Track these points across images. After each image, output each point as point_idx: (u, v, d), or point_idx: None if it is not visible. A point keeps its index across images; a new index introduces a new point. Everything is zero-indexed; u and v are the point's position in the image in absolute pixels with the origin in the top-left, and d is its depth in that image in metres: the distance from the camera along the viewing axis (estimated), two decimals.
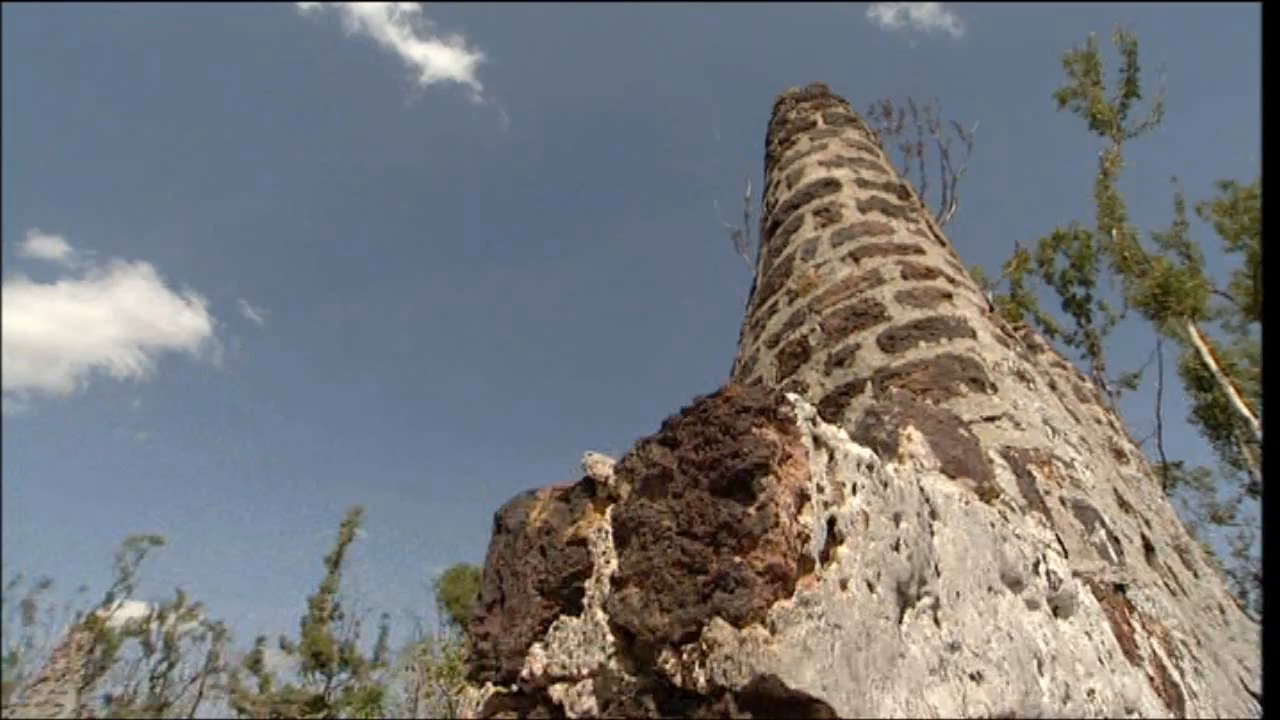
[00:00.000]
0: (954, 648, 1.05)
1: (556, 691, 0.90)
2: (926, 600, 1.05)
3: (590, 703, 0.86)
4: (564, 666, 0.91)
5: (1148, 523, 3.61)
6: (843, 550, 0.88)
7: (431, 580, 24.53)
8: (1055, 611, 1.51)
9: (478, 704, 1.01)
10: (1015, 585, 1.35)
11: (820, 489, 0.89)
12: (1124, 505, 3.27)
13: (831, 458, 0.97)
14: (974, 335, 3.53)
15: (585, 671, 0.88)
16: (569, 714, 0.87)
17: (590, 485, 1.04)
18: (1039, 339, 5.21)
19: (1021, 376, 3.44)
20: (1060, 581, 1.54)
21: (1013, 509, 1.54)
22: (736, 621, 0.74)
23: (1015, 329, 4.63)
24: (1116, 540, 2.80)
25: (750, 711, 0.69)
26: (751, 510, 0.81)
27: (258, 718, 27.06)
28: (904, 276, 3.93)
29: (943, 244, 4.70)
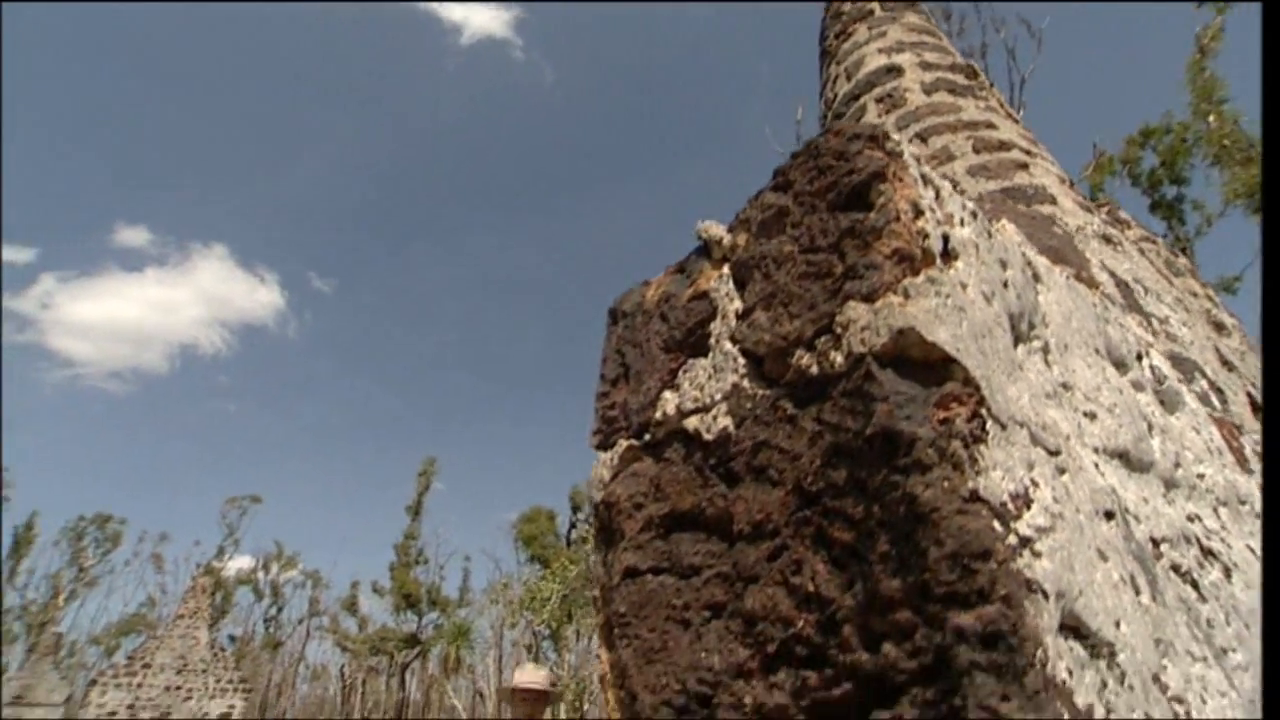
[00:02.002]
0: (1066, 386, 1.08)
1: (690, 423, 0.98)
2: (1036, 343, 1.08)
3: (725, 422, 0.93)
4: (696, 400, 0.99)
5: (1254, 384, 3.47)
6: (959, 264, 0.91)
7: (508, 524, 25.69)
8: (1161, 404, 1.50)
9: (611, 461, 1.11)
10: (1120, 366, 1.36)
11: (932, 209, 0.92)
12: (1227, 364, 3.15)
13: (938, 195, 0.99)
14: (1054, 201, 3.40)
15: (718, 397, 0.95)
16: (705, 437, 0.95)
17: (704, 250, 1.10)
18: (1125, 215, 4.95)
19: (1107, 240, 3.30)
20: (1165, 378, 1.53)
21: (1113, 303, 1.53)
22: (869, 298, 0.79)
23: (1099, 205, 4.42)
24: (1220, 391, 2.71)
25: (890, 369, 0.75)
26: (872, 212, 0.85)
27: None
28: (975, 151, 3.80)
29: (1015, 121, 4.49)
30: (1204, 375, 2.75)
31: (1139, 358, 1.46)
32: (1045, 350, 1.09)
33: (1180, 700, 0.83)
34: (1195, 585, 1.08)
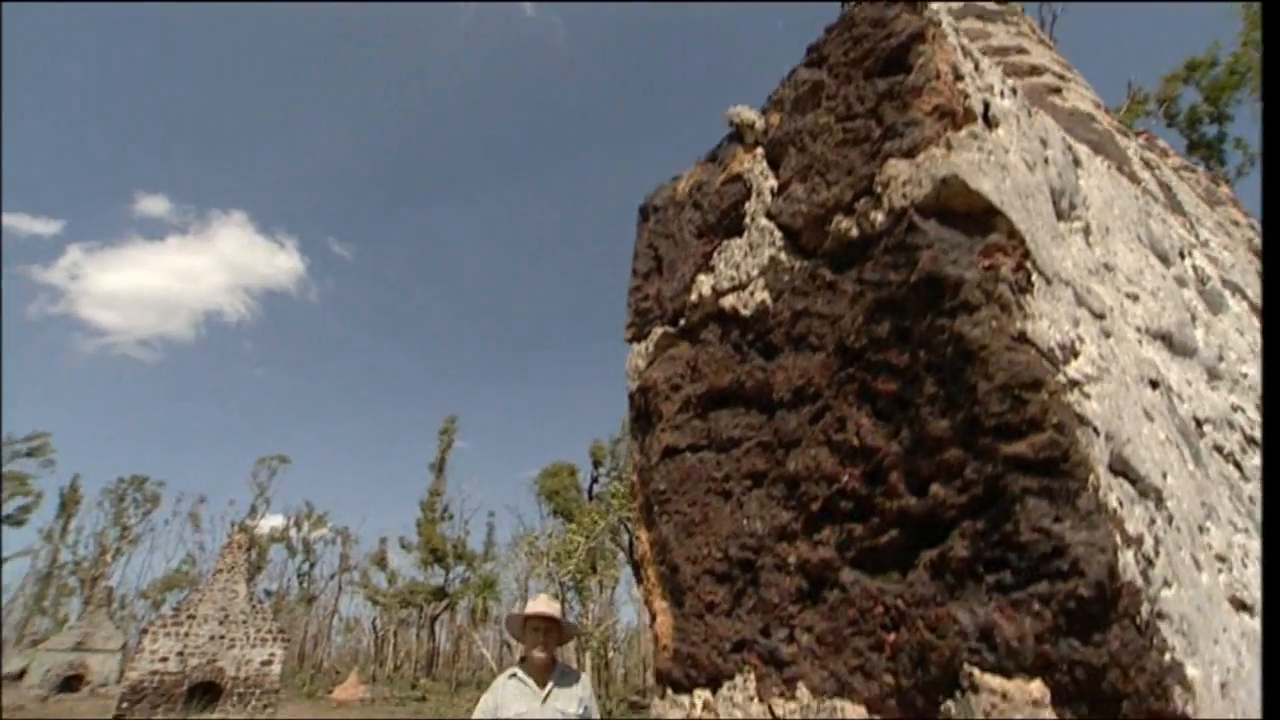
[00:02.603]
0: (1108, 268, 1.05)
1: (727, 301, 0.98)
2: (1077, 223, 1.05)
3: (762, 296, 0.93)
4: (732, 279, 0.98)
5: None
6: (999, 131, 0.89)
7: (530, 480, 26.14)
8: (1205, 303, 1.47)
9: (646, 350, 1.11)
10: (1163, 259, 1.33)
11: (972, 76, 0.89)
12: None
13: (977, 66, 0.96)
14: (1090, 121, 3.28)
15: (755, 273, 0.95)
16: (743, 313, 0.95)
17: (735, 135, 1.08)
18: (1162, 143, 4.77)
19: (1146, 164, 3.20)
20: (1208, 279, 1.50)
21: (1156, 201, 1.48)
22: (910, 153, 0.77)
23: (1136, 134, 4.26)
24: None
25: (934, 219, 0.74)
26: (911, 74, 0.82)
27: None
28: (1005, 75, 3.66)
29: (1049, 46, 4.30)
30: (1246, 298, 2.68)
31: (1182, 255, 1.42)
32: (1086, 231, 1.06)
33: (1223, 559, 0.83)
34: (1238, 466, 1.07)
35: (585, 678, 2.93)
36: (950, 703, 0.59)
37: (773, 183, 0.97)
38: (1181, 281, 1.34)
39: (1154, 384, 0.92)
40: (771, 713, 0.72)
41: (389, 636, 33.06)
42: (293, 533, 36.20)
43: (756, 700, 0.74)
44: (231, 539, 19.09)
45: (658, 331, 1.08)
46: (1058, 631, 0.55)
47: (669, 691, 0.85)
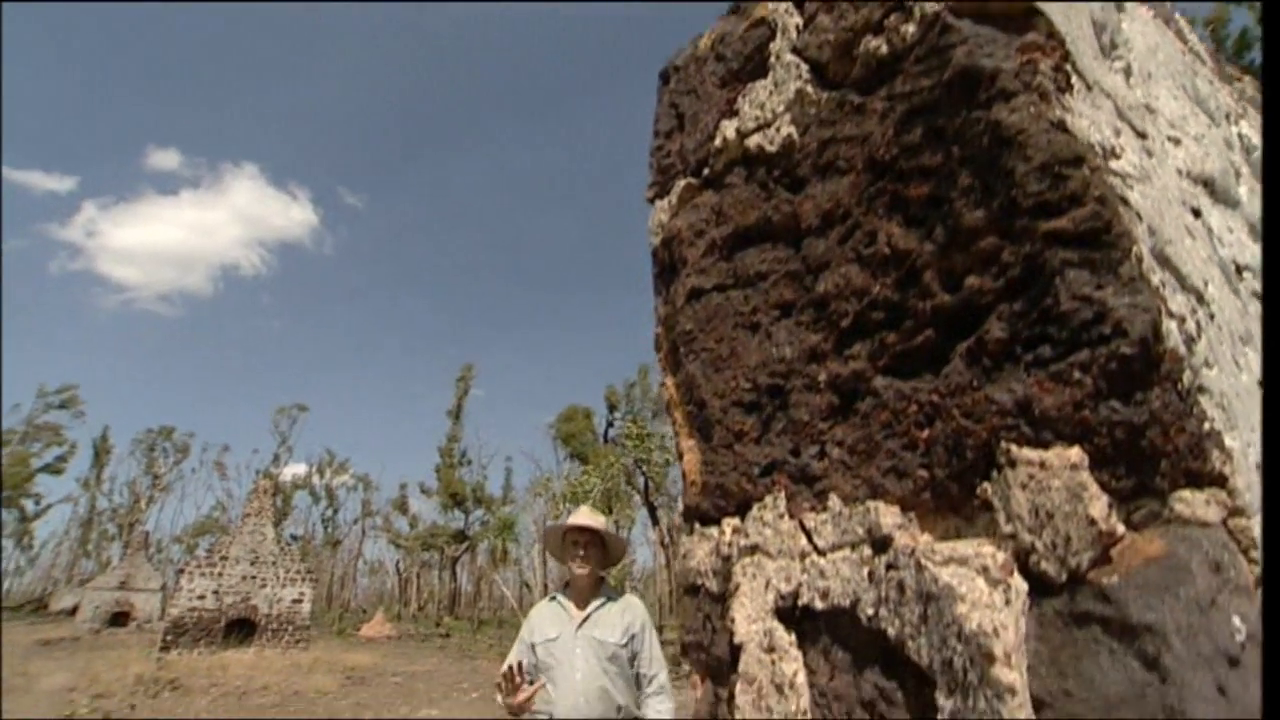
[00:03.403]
0: (1150, 109, 1.01)
1: (752, 141, 0.95)
2: (1118, 63, 1.01)
3: (789, 130, 0.90)
4: (757, 118, 0.96)
5: None
6: None
7: (546, 426, 26.51)
8: (1251, 170, 1.42)
9: (668, 204, 1.09)
10: (1209, 117, 1.27)
11: None
12: None
13: None
14: None
15: (781, 109, 0.92)
16: (768, 150, 0.93)
17: None
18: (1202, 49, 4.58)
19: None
20: (1254, 148, 1.44)
21: (1203, 63, 1.42)
22: None
23: None
24: None
25: (968, 19, 0.71)
26: None
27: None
28: None
29: None
30: None
31: (1229, 118, 1.36)
32: (1127, 72, 1.01)
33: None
34: None
35: (638, 606, 2.51)
36: (986, 484, 0.59)
37: (798, 19, 0.93)
38: (1228, 143, 1.29)
39: (1196, 212, 0.89)
40: (802, 526, 0.73)
41: (412, 578, 34.20)
42: (315, 480, 37.19)
43: (787, 517, 0.75)
44: (257, 485, 19.61)
45: (680, 184, 1.06)
46: (1098, 396, 0.54)
47: (697, 525, 0.87)
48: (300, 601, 18.50)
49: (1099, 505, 0.52)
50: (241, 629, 17.44)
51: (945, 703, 0.55)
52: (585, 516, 2.62)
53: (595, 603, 2.46)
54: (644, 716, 2.36)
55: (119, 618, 22.94)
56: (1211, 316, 0.70)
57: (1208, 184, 1.05)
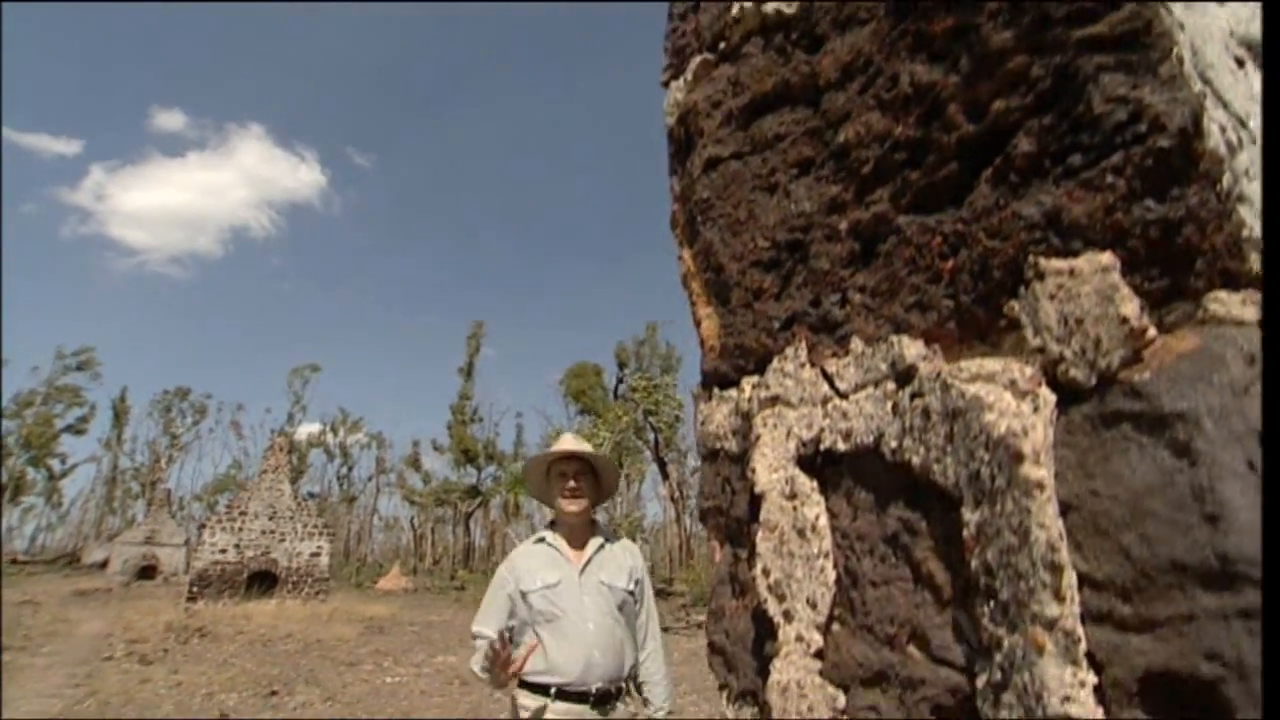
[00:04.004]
0: None
1: (769, 7, 0.92)
2: None
3: None
4: None
5: None
6: None
7: (555, 385, 26.70)
8: None
9: (684, 82, 1.06)
10: None
11: None
12: None
13: None
14: None
15: None
16: (786, 12, 0.90)
17: None
18: None
19: None
20: None
21: None
22: None
23: None
24: None
25: None
26: None
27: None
28: None
29: None
30: None
31: None
32: None
33: None
34: None
35: (635, 547, 2.23)
36: (1013, 301, 0.59)
37: None
38: None
39: (1239, 62, 0.86)
40: (824, 372, 0.73)
41: (427, 533, 35.00)
42: (329, 438, 37.81)
43: (808, 366, 0.75)
44: (273, 442, 19.95)
45: (696, 60, 1.04)
46: (1131, 197, 0.53)
47: (715, 390, 0.87)
48: (318, 555, 18.97)
49: (1131, 306, 0.51)
50: (263, 581, 17.96)
51: (971, 516, 0.55)
52: (572, 442, 2.22)
53: (594, 543, 2.13)
54: (647, 676, 2.08)
55: (147, 570, 23.74)
56: (1254, 140, 0.67)
57: (1250, 47, 1.01)
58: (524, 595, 2.04)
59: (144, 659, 10.15)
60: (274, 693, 8.05)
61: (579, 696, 1.90)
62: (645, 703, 2.05)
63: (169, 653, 10.72)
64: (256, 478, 18.98)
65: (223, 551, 17.75)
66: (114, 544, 24.91)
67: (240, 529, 18.19)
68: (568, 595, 2.02)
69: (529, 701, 1.93)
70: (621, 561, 2.14)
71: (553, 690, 1.91)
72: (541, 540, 2.17)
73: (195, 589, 16.97)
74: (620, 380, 24.20)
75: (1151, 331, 0.51)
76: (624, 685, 1.99)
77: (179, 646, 11.29)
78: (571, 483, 2.14)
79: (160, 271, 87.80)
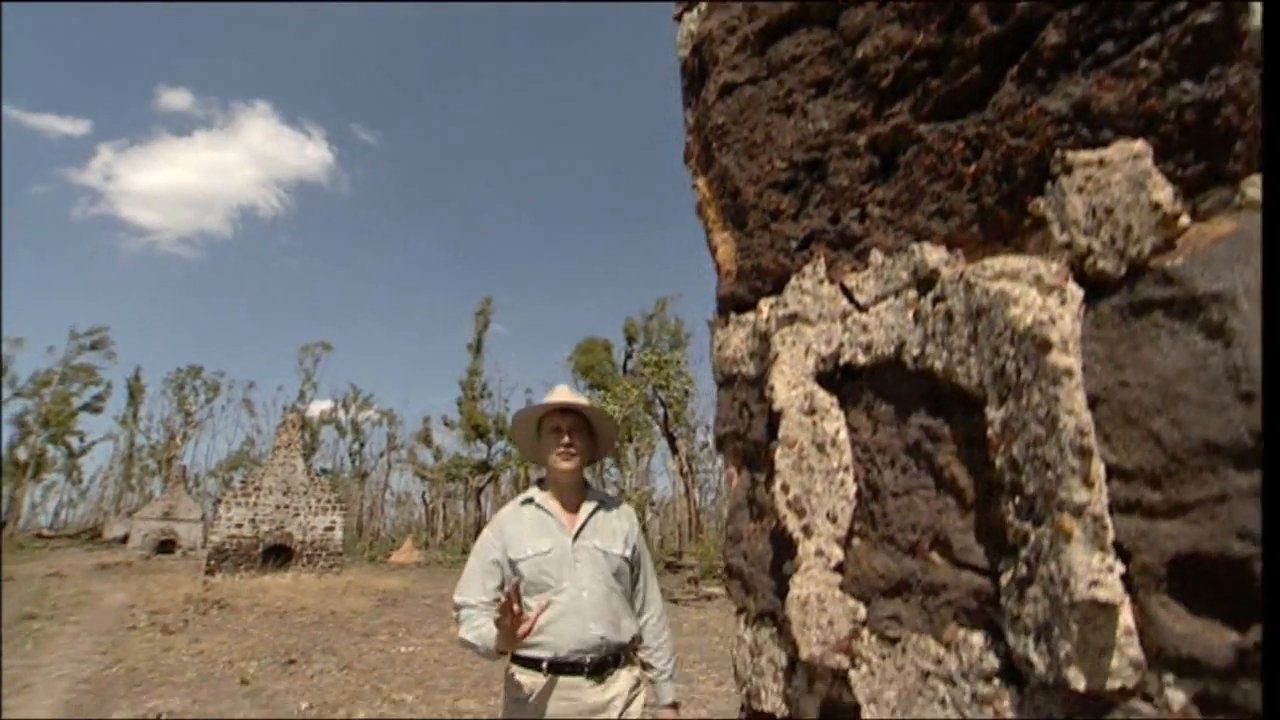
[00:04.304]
0: None
1: None
2: None
3: None
4: None
5: None
6: None
7: (565, 361, 26.77)
8: None
9: (698, 13, 1.04)
10: None
11: None
12: None
13: None
14: None
15: None
16: None
17: None
18: None
19: None
20: None
21: None
22: None
23: None
24: None
25: None
26: None
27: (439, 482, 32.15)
28: None
29: None
30: None
31: None
32: None
33: None
34: None
35: (630, 510, 2.07)
36: (1039, 199, 0.57)
37: None
38: None
39: None
40: (843, 287, 0.72)
41: (438, 508, 35.43)
42: (341, 415, 38.19)
43: (827, 282, 0.73)
44: (285, 419, 20.14)
45: None
46: (1166, 80, 0.51)
47: (732, 315, 0.86)
48: (332, 529, 19.24)
49: (1164, 193, 0.50)
50: (278, 555, 18.26)
51: (996, 414, 0.54)
52: (566, 394, 2.06)
53: (588, 506, 1.97)
54: (648, 643, 1.98)
55: (165, 545, 24.22)
56: None
57: None
58: (513, 564, 1.89)
59: (166, 629, 10.38)
60: (292, 661, 8.22)
61: (573, 668, 1.80)
62: (647, 668, 1.96)
63: (189, 623, 10.96)
64: (270, 454, 19.22)
65: (239, 526, 18.03)
66: (133, 519, 25.40)
67: (255, 504, 18.45)
68: (560, 564, 1.87)
69: (524, 678, 1.82)
70: (616, 526, 1.97)
71: (544, 664, 1.80)
72: (530, 501, 1.99)
73: (213, 563, 17.28)
74: (629, 355, 24.22)
75: (1185, 219, 0.49)
76: (621, 654, 1.88)
77: (199, 617, 11.53)
78: (565, 438, 1.96)
79: (171, 252, 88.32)
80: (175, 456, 34.62)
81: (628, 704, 1.87)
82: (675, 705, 1.96)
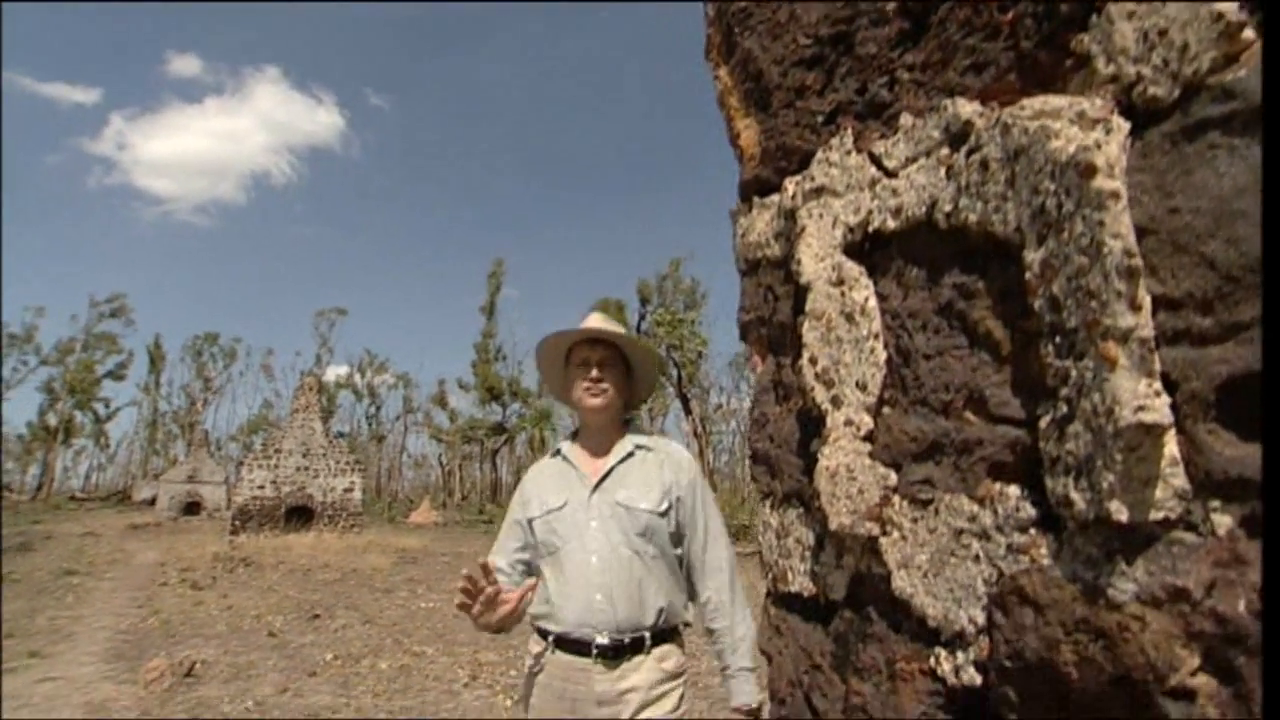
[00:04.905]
0: None
1: None
2: None
3: None
4: None
5: None
6: None
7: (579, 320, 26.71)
8: None
9: None
10: None
11: None
12: None
13: None
14: None
15: None
16: None
17: None
18: None
19: None
20: None
21: None
22: None
23: None
24: None
25: None
26: None
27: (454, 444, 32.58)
28: None
29: None
30: None
31: None
32: None
33: None
34: None
35: (683, 457, 1.66)
36: (1083, 35, 0.54)
37: None
38: None
39: None
40: (871, 156, 0.69)
41: (455, 470, 35.98)
42: (357, 379, 38.66)
43: (854, 152, 0.71)
44: (303, 383, 20.38)
45: None
46: None
47: (756, 199, 0.83)
48: (351, 490, 19.60)
49: (1228, 3, 0.47)
50: (300, 515, 18.68)
51: (1035, 255, 0.52)
52: (600, 322, 1.72)
53: (619, 452, 1.62)
54: (712, 626, 1.56)
55: (191, 507, 24.88)
56: None
57: None
58: (530, 524, 1.64)
59: (196, 585, 10.71)
60: (316, 616, 8.46)
61: (577, 647, 1.49)
62: (719, 656, 1.56)
63: (217, 580, 11.29)
64: (289, 417, 19.52)
65: (260, 488, 18.43)
66: (160, 482, 26.07)
67: (276, 466, 18.82)
68: (570, 522, 1.57)
69: (535, 646, 1.59)
70: (652, 475, 1.58)
71: (551, 638, 1.54)
72: (558, 453, 1.72)
73: (237, 523, 17.72)
74: (643, 316, 24.17)
75: (1249, 32, 0.46)
76: (649, 637, 1.50)
77: (226, 574, 11.87)
78: (595, 372, 1.63)
79: (187, 220, 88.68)
80: (197, 422, 35.36)
81: (649, 703, 1.48)
82: (754, 711, 1.49)
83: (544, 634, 1.57)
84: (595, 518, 1.56)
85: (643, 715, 1.48)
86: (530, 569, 1.67)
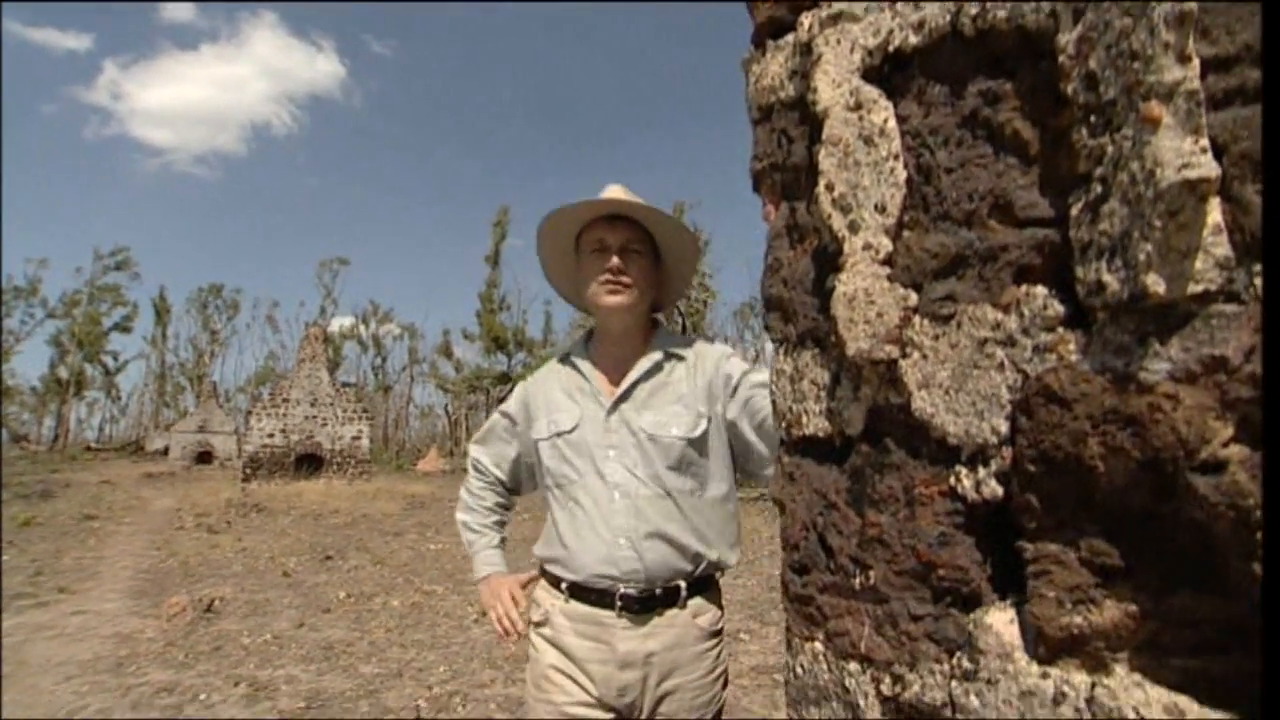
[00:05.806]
0: None
1: None
2: None
3: None
4: None
5: None
6: None
7: None
8: None
9: None
10: None
11: None
12: None
13: None
14: None
15: None
16: None
17: None
18: None
19: None
20: None
21: None
22: None
23: None
24: None
25: None
26: None
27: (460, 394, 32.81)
28: None
29: None
30: None
31: None
32: None
33: None
34: None
35: (718, 355, 1.37)
36: None
37: None
38: None
39: None
40: None
41: (461, 419, 36.32)
42: (362, 330, 38.76)
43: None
44: (308, 333, 20.43)
45: None
46: None
47: (769, 42, 0.79)
48: (359, 438, 19.84)
49: None
50: (310, 463, 18.96)
51: (1070, 36, 0.49)
52: (620, 193, 1.35)
53: (644, 363, 1.32)
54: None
55: (203, 456, 25.35)
56: None
57: None
58: (536, 445, 1.39)
59: (211, 529, 10.95)
60: (329, 557, 8.67)
61: (598, 598, 1.26)
62: None
63: (231, 524, 11.54)
64: (295, 367, 19.62)
65: (270, 436, 18.66)
66: (172, 433, 26.47)
67: (284, 415, 19.01)
68: (585, 448, 1.30)
69: (544, 596, 1.35)
70: (682, 391, 1.30)
71: (564, 585, 1.30)
72: (567, 359, 1.42)
73: (248, 470, 18.01)
74: None
75: None
76: (683, 588, 1.26)
77: (240, 519, 12.13)
78: (615, 260, 1.29)
79: (187, 171, 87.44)
80: (205, 374, 35.65)
81: (681, 666, 1.25)
82: None
83: (555, 580, 1.33)
84: (614, 445, 1.29)
85: (673, 681, 1.25)
86: (520, 471, 1.55)
